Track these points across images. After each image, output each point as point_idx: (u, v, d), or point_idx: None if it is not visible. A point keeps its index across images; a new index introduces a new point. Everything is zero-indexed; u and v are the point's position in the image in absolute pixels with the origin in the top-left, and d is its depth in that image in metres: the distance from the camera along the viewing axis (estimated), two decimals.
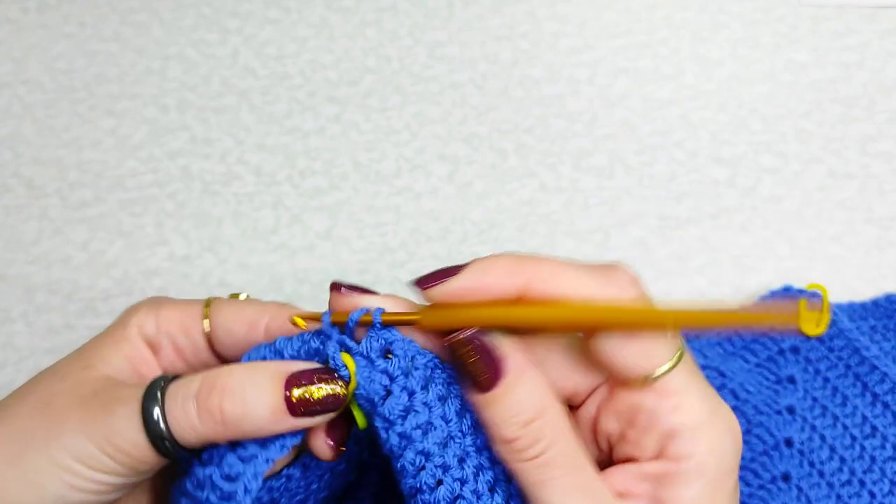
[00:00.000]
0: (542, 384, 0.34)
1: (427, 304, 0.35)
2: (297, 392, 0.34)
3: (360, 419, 0.35)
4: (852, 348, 0.54)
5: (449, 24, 0.75)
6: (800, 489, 0.51)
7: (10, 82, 0.72)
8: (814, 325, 0.58)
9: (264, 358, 0.36)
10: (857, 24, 0.74)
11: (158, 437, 0.33)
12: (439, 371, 0.35)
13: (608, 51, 0.73)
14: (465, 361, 0.33)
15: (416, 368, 0.34)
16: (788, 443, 0.52)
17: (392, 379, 0.34)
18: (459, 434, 0.34)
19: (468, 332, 0.33)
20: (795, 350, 0.55)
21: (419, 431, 0.33)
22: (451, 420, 0.34)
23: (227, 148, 0.68)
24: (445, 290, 0.34)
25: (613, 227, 0.63)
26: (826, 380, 0.54)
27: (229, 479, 0.34)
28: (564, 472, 0.33)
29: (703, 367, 0.52)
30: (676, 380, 0.34)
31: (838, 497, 0.51)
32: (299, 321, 0.37)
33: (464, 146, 0.68)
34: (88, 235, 0.63)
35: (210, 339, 0.39)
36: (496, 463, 0.34)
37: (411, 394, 0.34)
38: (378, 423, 0.34)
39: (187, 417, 0.33)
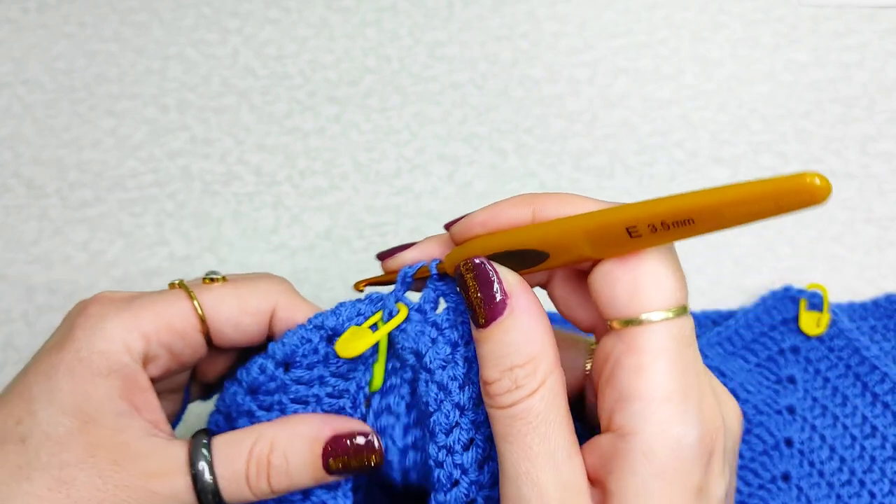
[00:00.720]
0: (544, 334, 0.32)
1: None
2: (334, 464, 0.35)
3: (377, 378, 0.36)
4: (852, 348, 0.54)
5: (449, 24, 0.75)
6: (800, 489, 0.51)
7: (10, 82, 0.72)
8: (814, 325, 0.58)
9: (310, 342, 0.36)
10: (857, 24, 0.74)
11: (203, 493, 0.33)
12: None
13: (608, 51, 0.73)
14: (470, 291, 0.32)
15: (465, 323, 0.34)
16: (788, 442, 0.52)
17: (440, 331, 0.34)
18: None
19: (479, 259, 0.33)
20: (796, 350, 0.55)
21: (456, 384, 0.33)
22: None
23: (227, 148, 0.68)
24: (464, 223, 0.35)
25: None
26: (826, 380, 0.54)
27: None
28: (533, 430, 0.30)
29: None
30: (653, 337, 0.30)
31: (838, 497, 0.51)
32: (360, 286, 0.40)
33: (464, 146, 0.68)
34: (88, 235, 0.63)
35: (208, 332, 0.37)
36: None
37: (454, 345, 0.34)
38: (421, 376, 0.34)
39: (238, 487, 0.34)
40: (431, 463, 0.33)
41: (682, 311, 0.30)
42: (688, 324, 0.31)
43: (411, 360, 0.35)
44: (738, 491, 0.50)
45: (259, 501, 0.35)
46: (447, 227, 0.36)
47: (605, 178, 0.66)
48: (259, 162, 0.67)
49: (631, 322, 0.30)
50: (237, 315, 0.37)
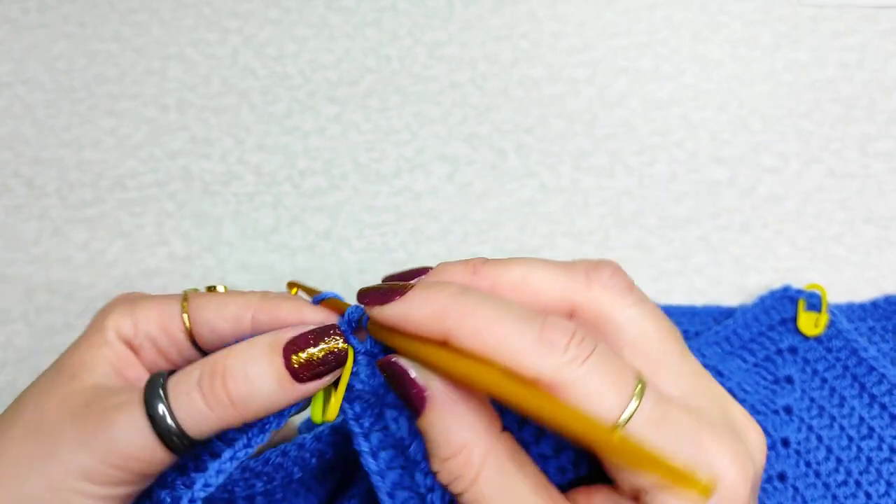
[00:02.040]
0: (466, 421, 0.31)
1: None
2: (297, 359, 0.33)
3: (332, 410, 0.34)
4: (850, 349, 0.54)
5: (449, 24, 0.75)
6: (796, 489, 0.51)
7: (10, 82, 0.72)
8: (812, 326, 0.58)
9: None
10: (857, 24, 0.74)
11: (167, 434, 0.33)
12: None
13: (608, 51, 0.73)
14: (392, 386, 0.32)
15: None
16: (785, 443, 0.52)
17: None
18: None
19: (390, 358, 0.32)
20: (793, 350, 0.55)
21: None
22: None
23: (227, 148, 0.68)
24: (379, 313, 0.33)
25: (613, 227, 0.63)
26: (824, 380, 0.54)
27: (211, 455, 0.35)
28: (507, 489, 0.30)
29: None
30: (642, 433, 0.29)
31: (834, 498, 0.51)
32: (293, 289, 0.37)
33: (464, 146, 0.68)
34: (88, 235, 0.64)
35: (192, 336, 0.38)
36: None
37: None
38: (387, 413, 0.34)
39: (196, 407, 0.33)
40: (423, 491, 0.33)
41: (640, 385, 0.30)
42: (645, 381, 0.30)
43: (371, 399, 0.34)
44: None
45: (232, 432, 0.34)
46: (361, 299, 0.34)
47: (605, 178, 0.66)
48: (259, 162, 0.67)
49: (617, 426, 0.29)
50: (213, 319, 0.37)
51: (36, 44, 0.74)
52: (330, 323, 0.35)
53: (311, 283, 0.61)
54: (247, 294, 0.38)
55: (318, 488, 0.41)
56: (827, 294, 0.56)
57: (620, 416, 0.28)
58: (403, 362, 0.32)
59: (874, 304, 0.58)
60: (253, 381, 0.33)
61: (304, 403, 0.35)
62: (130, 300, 0.39)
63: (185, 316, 0.38)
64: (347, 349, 0.34)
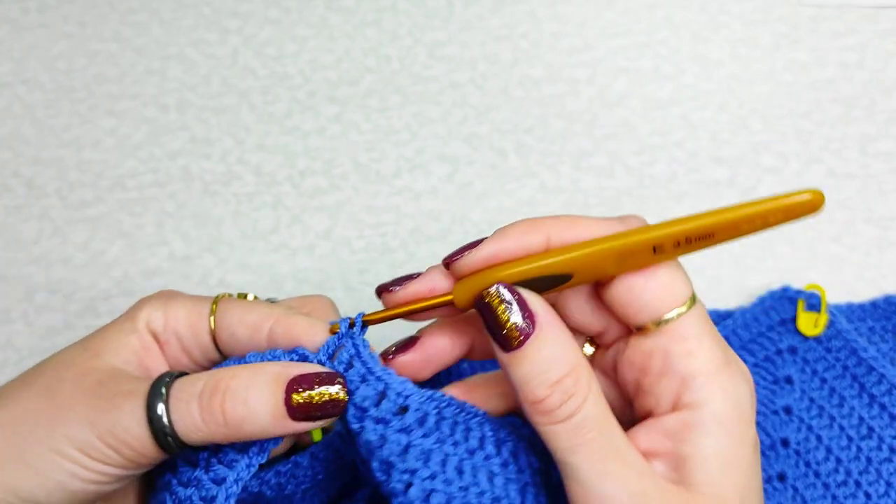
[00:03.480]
0: (572, 340, 0.34)
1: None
2: (297, 398, 0.34)
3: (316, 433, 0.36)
4: (850, 349, 0.54)
5: (449, 24, 0.75)
6: (795, 489, 0.51)
7: (10, 82, 0.72)
8: (812, 326, 0.58)
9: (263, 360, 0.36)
10: (857, 24, 0.74)
11: (161, 433, 0.34)
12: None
13: (608, 51, 0.73)
14: (497, 317, 0.33)
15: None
16: (785, 443, 0.52)
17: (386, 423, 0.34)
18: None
19: (499, 286, 0.34)
20: (793, 350, 0.55)
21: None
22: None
23: (227, 148, 0.68)
24: (472, 259, 0.35)
25: None
26: (823, 380, 0.54)
27: (215, 482, 0.35)
28: (597, 434, 0.33)
29: None
30: (689, 325, 0.34)
31: (834, 498, 0.51)
32: (335, 327, 0.38)
33: (464, 146, 0.68)
34: (88, 235, 0.64)
35: (215, 339, 0.39)
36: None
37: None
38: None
39: (191, 416, 0.34)
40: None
41: (695, 297, 0.35)
42: (702, 305, 0.36)
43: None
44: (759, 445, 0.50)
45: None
46: (447, 263, 0.36)
47: (605, 178, 0.66)
48: (259, 162, 0.67)
49: (664, 321, 0.34)
50: (234, 325, 0.39)
51: (36, 44, 0.74)
52: (338, 371, 0.36)
53: (311, 284, 0.61)
54: (272, 305, 0.40)
55: (328, 486, 0.42)
56: (826, 294, 0.56)
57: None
58: (508, 288, 0.34)
59: (874, 305, 0.58)
60: (250, 406, 0.34)
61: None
62: (166, 296, 0.40)
63: (212, 318, 0.39)
64: (345, 401, 0.35)
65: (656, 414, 0.35)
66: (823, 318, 0.55)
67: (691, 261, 0.62)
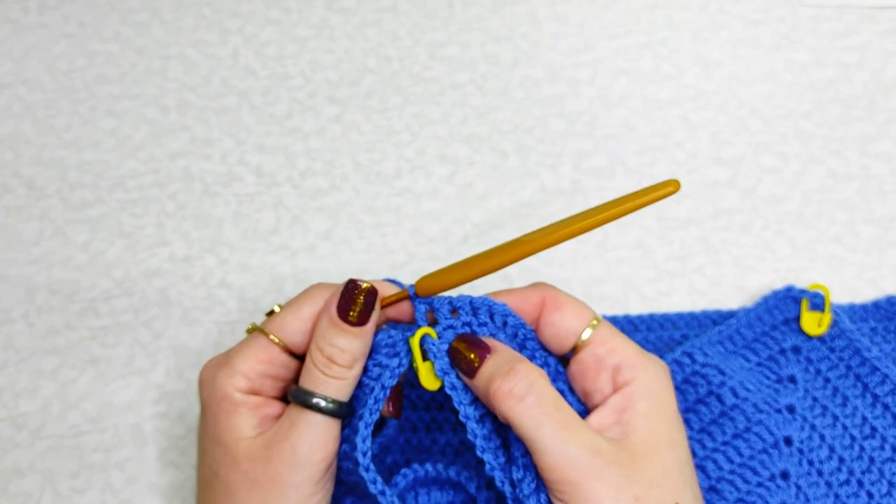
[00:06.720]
0: (517, 353, 0.44)
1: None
2: (347, 310, 0.43)
3: (430, 380, 0.44)
4: (853, 349, 0.54)
5: (449, 25, 0.75)
6: (798, 487, 0.51)
7: (10, 82, 0.72)
8: (815, 326, 0.58)
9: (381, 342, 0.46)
10: (857, 24, 0.74)
11: (330, 410, 0.43)
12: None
13: (608, 51, 0.73)
14: (462, 353, 0.43)
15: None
16: (788, 441, 0.52)
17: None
18: None
19: (464, 335, 0.45)
20: (797, 350, 0.55)
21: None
22: None
23: (228, 149, 0.68)
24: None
25: (613, 228, 0.63)
26: (827, 380, 0.54)
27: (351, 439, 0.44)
28: (554, 409, 0.40)
29: (704, 366, 0.52)
30: (604, 333, 0.45)
31: (836, 496, 0.51)
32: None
33: (464, 147, 0.68)
34: (89, 236, 0.63)
35: (289, 349, 0.45)
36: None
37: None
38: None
39: (325, 381, 0.43)
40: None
41: (594, 314, 0.46)
42: (603, 319, 0.46)
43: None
44: (737, 488, 0.50)
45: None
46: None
47: (606, 179, 0.66)
48: (259, 163, 0.67)
49: (584, 339, 0.45)
50: (299, 325, 0.45)
51: (36, 44, 0.74)
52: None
53: (311, 284, 0.61)
54: (306, 292, 0.46)
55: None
56: (829, 294, 0.56)
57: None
58: (466, 339, 0.45)
59: (876, 305, 0.58)
60: (332, 341, 0.43)
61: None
62: (219, 363, 0.45)
63: (272, 338, 0.45)
64: (372, 287, 0.44)
65: (602, 402, 0.43)
66: (827, 318, 0.55)
67: (691, 261, 0.62)
